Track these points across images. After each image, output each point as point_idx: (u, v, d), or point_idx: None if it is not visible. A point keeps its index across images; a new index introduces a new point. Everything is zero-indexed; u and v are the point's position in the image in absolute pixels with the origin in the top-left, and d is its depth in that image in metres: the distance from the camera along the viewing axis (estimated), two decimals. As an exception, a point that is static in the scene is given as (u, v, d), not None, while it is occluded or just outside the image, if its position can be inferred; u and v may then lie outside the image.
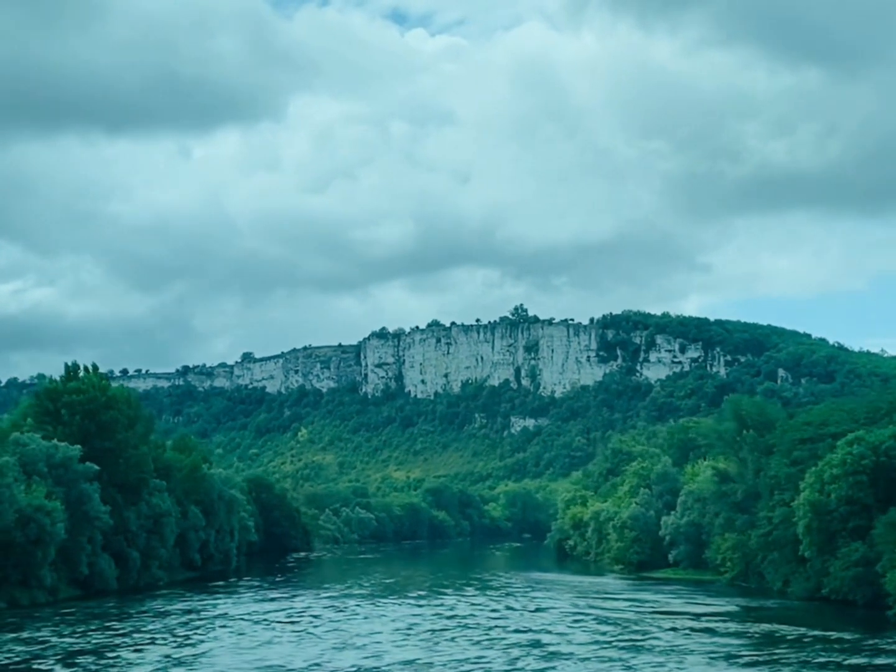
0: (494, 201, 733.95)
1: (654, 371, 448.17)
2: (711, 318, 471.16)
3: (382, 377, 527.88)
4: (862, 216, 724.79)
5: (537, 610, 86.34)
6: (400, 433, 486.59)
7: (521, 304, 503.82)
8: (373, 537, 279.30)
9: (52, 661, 58.87)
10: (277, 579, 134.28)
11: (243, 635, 69.89)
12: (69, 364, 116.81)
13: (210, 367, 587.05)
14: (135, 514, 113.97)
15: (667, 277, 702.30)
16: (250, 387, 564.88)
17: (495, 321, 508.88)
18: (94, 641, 67.66)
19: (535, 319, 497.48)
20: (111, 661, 59.04)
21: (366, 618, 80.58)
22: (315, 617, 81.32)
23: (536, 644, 63.73)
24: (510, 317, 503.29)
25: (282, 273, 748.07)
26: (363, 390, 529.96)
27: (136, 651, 62.60)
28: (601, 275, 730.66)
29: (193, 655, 60.40)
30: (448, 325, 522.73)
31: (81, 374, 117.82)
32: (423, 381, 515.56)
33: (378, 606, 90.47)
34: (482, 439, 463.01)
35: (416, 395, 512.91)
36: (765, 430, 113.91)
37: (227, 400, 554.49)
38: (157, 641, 66.96)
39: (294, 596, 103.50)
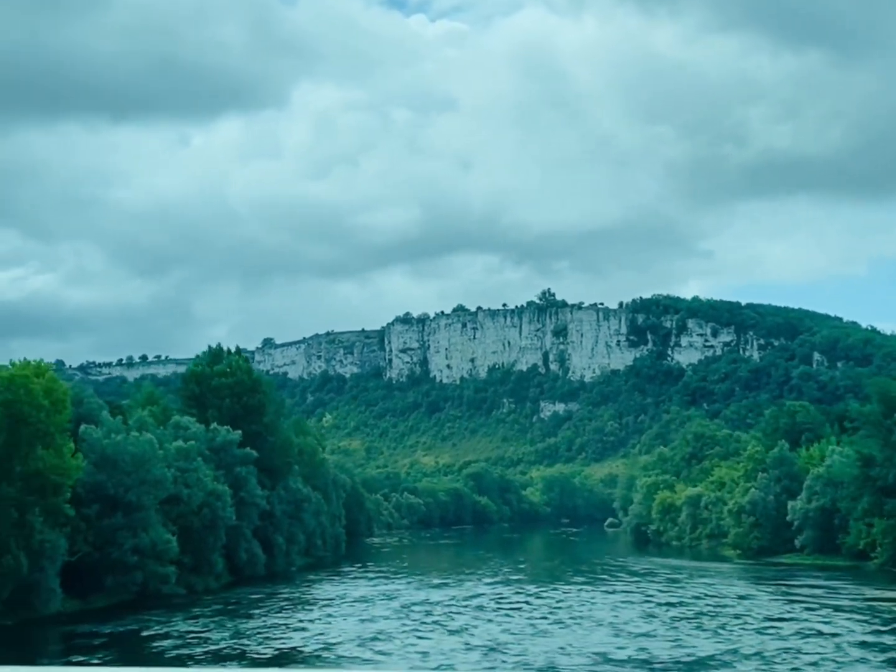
0: (497, 188, 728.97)
1: (686, 355, 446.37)
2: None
3: (407, 362, 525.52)
4: (862, 201, 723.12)
5: (739, 597, 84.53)
6: (427, 418, 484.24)
7: (549, 289, 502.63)
8: (420, 522, 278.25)
9: (350, 646, 57.03)
10: (403, 566, 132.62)
11: (492, 623, 67.96)
12: (213, 346, 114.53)
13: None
14: (277, 500, 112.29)
15: (669, 263, 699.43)
16: (271, 372, 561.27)
17: (522, 306, 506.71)
18: (352, 627, 65.75)
19: (564, 304, 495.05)
20: (413, 647, 57.07)
21: (582, 604, 78.77)
22: (527, 604, 79.63)
23: (819, 634, 61.75)
24: (537, 301, 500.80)
25: (282, 260, 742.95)
26: (387, 375, 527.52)
27: (419, 637, 60.61)
28: (602, 261, 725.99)
29: (490, 641, 58.45)
30: (474, 310, 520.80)
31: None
32: (448, 366, 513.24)
33: (567, 593, 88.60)
34: (511, 424, 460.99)
35: (441, 381, 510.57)
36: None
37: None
38: (419, 630, 64.81)
39: (461, 582, 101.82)
